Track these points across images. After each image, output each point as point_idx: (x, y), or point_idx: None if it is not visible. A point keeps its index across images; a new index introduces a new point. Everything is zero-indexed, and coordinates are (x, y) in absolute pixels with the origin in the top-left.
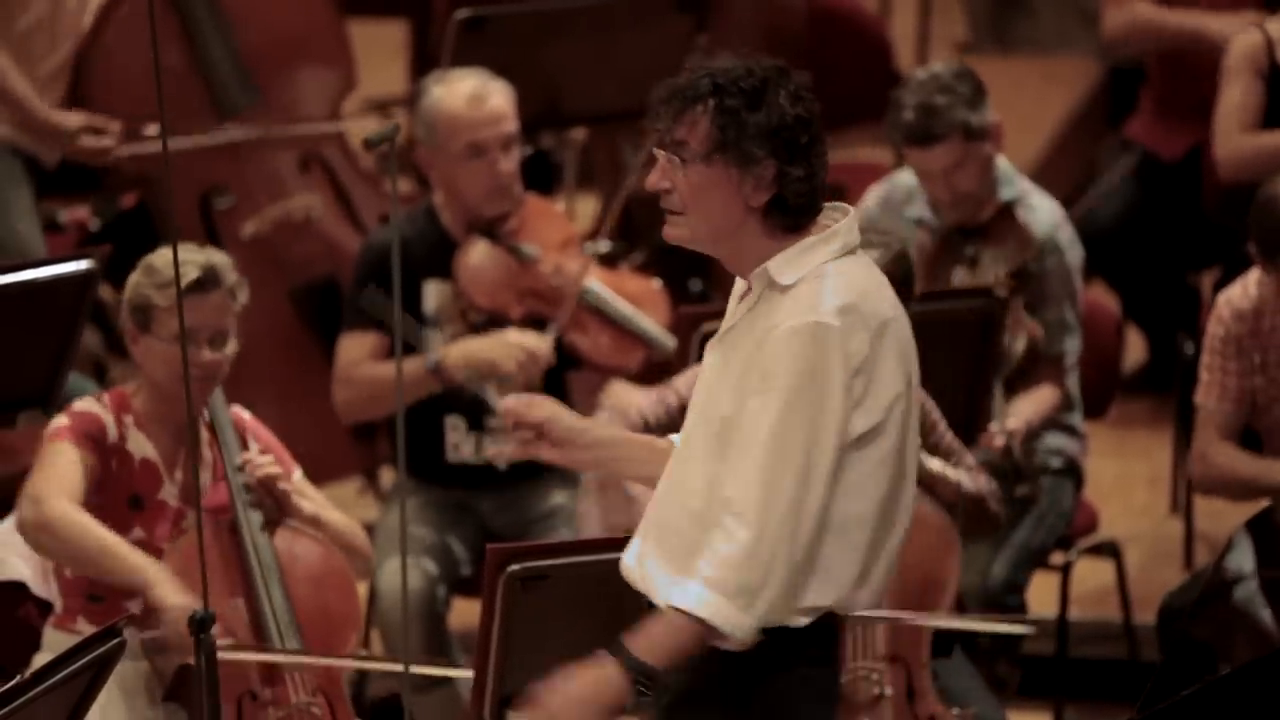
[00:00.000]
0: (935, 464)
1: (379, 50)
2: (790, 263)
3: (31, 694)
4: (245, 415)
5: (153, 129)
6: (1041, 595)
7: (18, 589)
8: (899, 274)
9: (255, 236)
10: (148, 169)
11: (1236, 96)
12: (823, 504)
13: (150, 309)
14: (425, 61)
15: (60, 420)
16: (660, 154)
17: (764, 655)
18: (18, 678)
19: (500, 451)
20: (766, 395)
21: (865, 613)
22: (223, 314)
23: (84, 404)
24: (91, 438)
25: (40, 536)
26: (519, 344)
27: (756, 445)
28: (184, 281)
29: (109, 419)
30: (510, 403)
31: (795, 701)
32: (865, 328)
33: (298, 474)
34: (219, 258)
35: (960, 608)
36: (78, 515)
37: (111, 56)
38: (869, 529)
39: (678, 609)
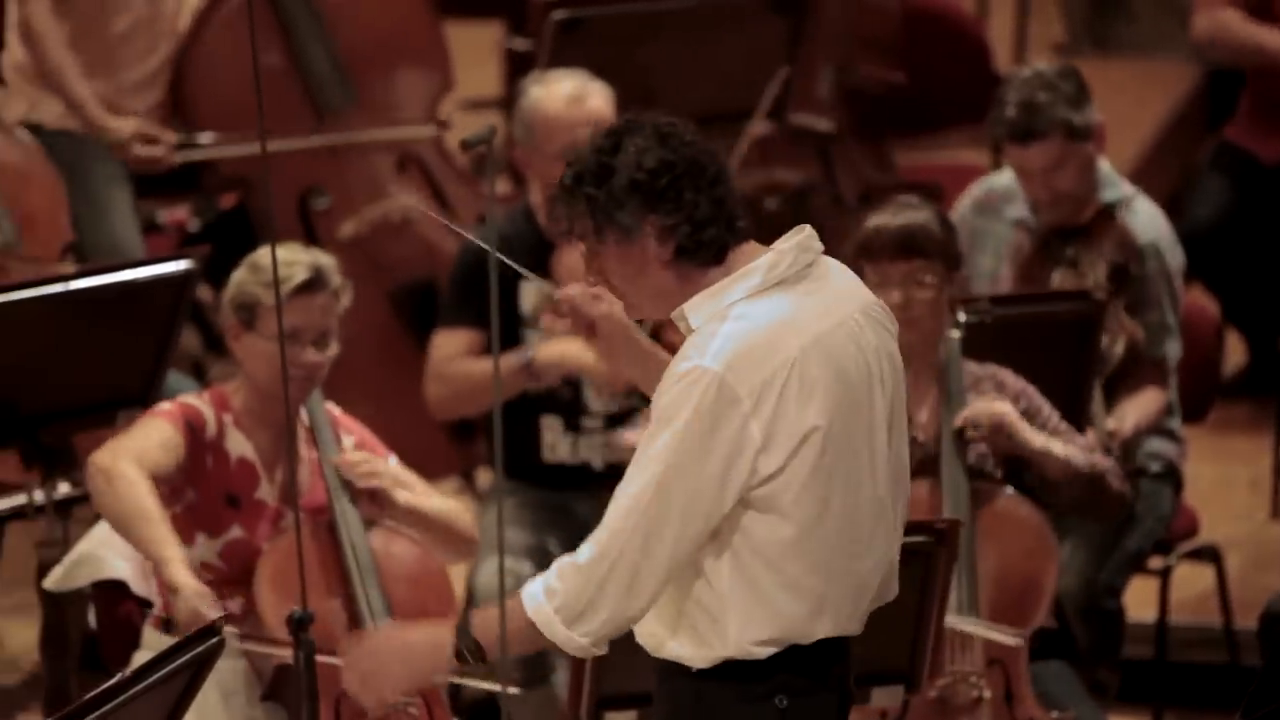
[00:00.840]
0: (1038, 440)
1: (475, 51)
2: (701, 304)
3: (131, 692)
4: (335, 410)
5: (205, 137)
6: (1141, 600)
7: (118, 588)
8: None
9: (353, 237)
10: (246, 170)
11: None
12: (679, 546)
13: (255, 307)
14: (520, 63)
15: (164, 404)
16: (582, 252)
17: (735, 686)
18: (118, 676)
19: (550, 329)
20: (652, 433)
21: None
22: (327, 315)
23: (189, 397)
24: (190, 426)
25: (98, 480)
26: None
27: (632, 477)
28: (293, 282)
29: (210, 415)
30: (572, 290)
31: None
32: (757, 372)
33: (393, 460)
34: (325, 259)
35: (1059, 612)
36: (138, 478)
37: (211, 58)
38: (808, 557)
39: (519, 599)
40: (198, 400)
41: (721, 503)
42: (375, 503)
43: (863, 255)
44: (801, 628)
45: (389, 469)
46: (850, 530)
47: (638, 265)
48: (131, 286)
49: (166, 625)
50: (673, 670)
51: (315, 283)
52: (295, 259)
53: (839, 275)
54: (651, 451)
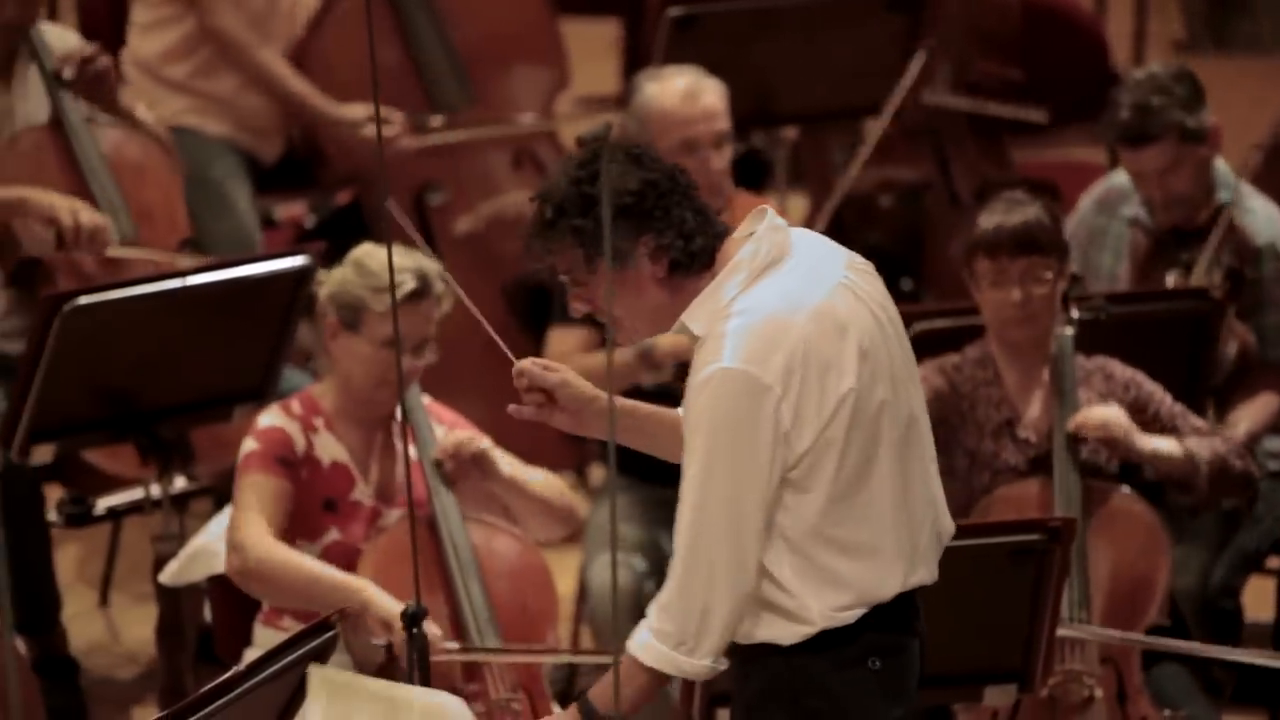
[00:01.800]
0: (1149, 444)
1: (592, 49)
2: (698, 311)
3: (246, 686)
4: (426, 399)
5: (436, 121)
6: (1258, 599)
7: (230, 583)
8: None
9: (469, 233)
10: (363, 166)
11: None
12: (757, 540)
13: (361, 310)
14: (637, 60)
15: (248, 445)
16: (567, 286)
17: (827, 655)
18: (233, 670)
19: (518, 409)
20: (690, 453)
21: None
22: (428, 323)
23: (270, 418)
24: (280, 460)
25: (250, 584)
26: None
27: (686, 501)
28: (402, 290)
29: (295, 429)
30: (525, 364)
31: (857, 697)
32: (776, 357)
33: (487, 443)
34: (430, 264)
35: (1175, 611)
36: (280, 555)
37: (329, 53)
38: (854, 517)
39: (630, 655)
40: (280, 418)
41: (773, 489)
42: (479, 468)
43: (980, 252)
44: (874, 587)
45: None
46: (890, 477)
47: (633, 288)
48: (248, 282)
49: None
50: (761, 649)
51: (422, 291)
52: (402, 265)
53: (810, 242)
54: (698, 464)
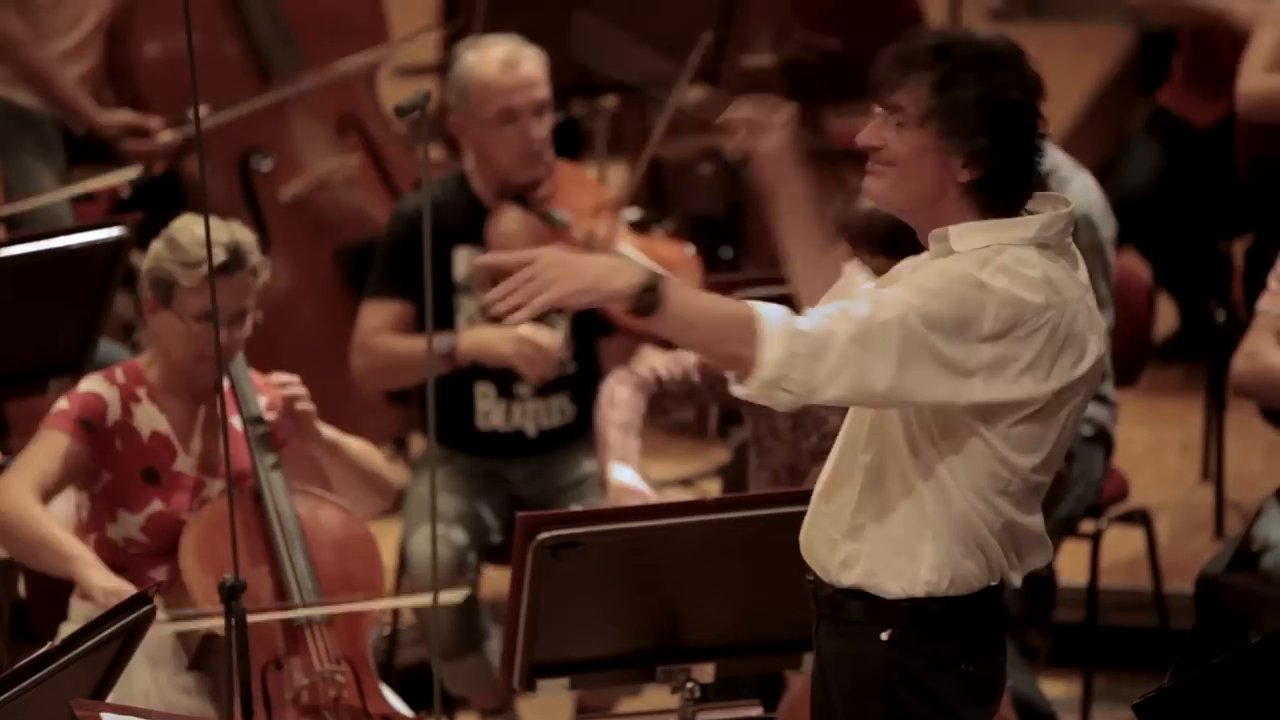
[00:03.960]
0: None
1: (412, 18)
2: (971, 232)
3: (61, 661)
4: (254, 375)
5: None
6: (1072, 563)
7: None
8: None
9: (295, 198)
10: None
11: (1268, 40)
12: (929, 370)
13: (172, 286)
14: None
15: (61, 404)
16: (877, 111)
17: (925, 654)
18: (48, 645)
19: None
20: (917, 273)
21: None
22: (243, 295)
23: (90, 383)
24: (82, 423)
25: None
26: (529, 339)
27: (901, 286)
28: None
29: (114, 397)
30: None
31: (948, 698)
32: (1035, 298)
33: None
34: (244, 235)
35: None
36: (21, 509)
37: (149, 24)
38: (1032, 492)
39: (744, 302)
40: (101, 384)
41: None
42: (298, 424)
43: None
44: (1042, 556)
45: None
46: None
47: (932, 164)
48: (63, 254)
49: None
50: (858, 633)
51: (233, 264)
52: (215, 238)
53: (1074, 256)
54: (924, 278)
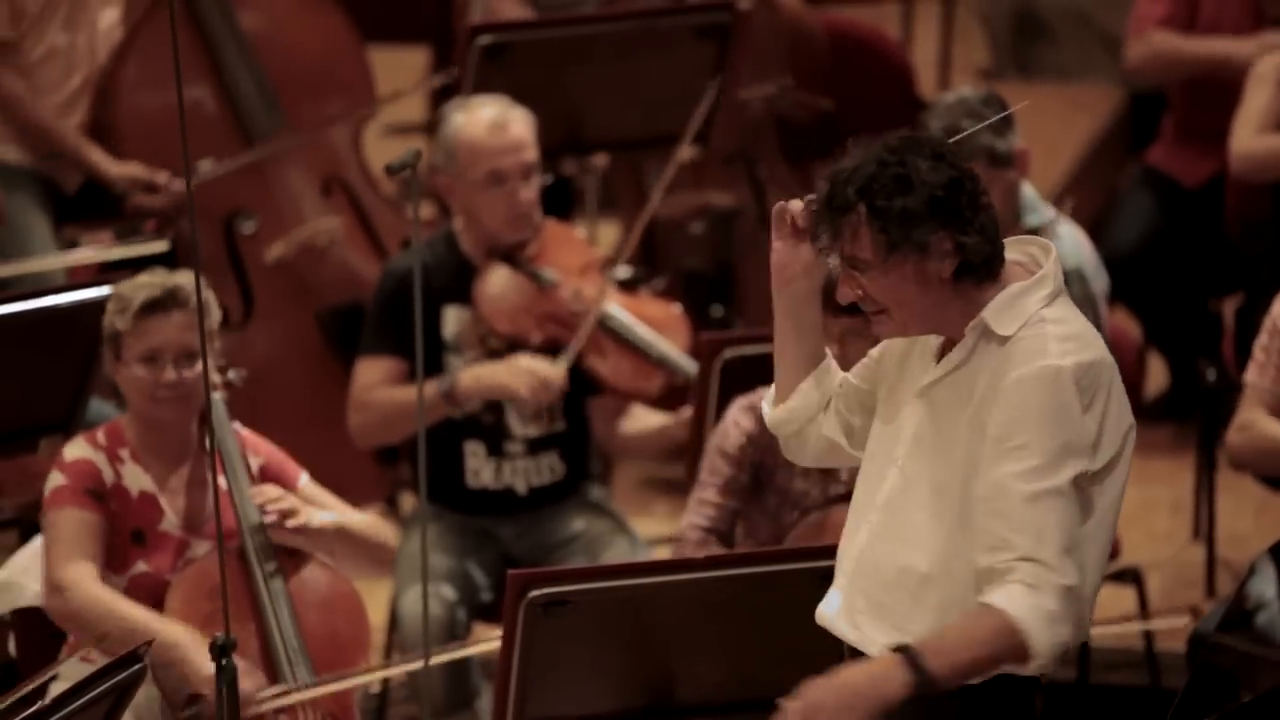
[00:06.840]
0: None
1: (400, 77)
2: (1005, 311)
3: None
4: (243, 431)
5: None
6: None
7: (38, 615)
8: None
9: (279, 260)
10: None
11: (1259, 101)
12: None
13: (118, 336)
14: (446, 88)
15: (55, 480)
16: (840, 269)
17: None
18: (37, 704)
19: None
20: (1023, 450)
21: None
22: (186, 333)
23: (76, 449)
24: (89, 492)
25: (69, 626)
26: (531, 369)
27: (1025, 497)
28: (135, 304)
29: (102, 460)
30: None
31: None
32: (1094, 366)
33: (304, 478)
34: (184, 278)
35: None
36: (105, 602)
37: (135, 82)
38: (1101, 557)
39: (991, 607)
40: (86, 450)
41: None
42: (301, 537)
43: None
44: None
45: (302, 489)
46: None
47: (914, 284)
48: (52, 313)
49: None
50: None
51: (166, 301)
52: (145, 282)
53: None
54: (1040, 456)
